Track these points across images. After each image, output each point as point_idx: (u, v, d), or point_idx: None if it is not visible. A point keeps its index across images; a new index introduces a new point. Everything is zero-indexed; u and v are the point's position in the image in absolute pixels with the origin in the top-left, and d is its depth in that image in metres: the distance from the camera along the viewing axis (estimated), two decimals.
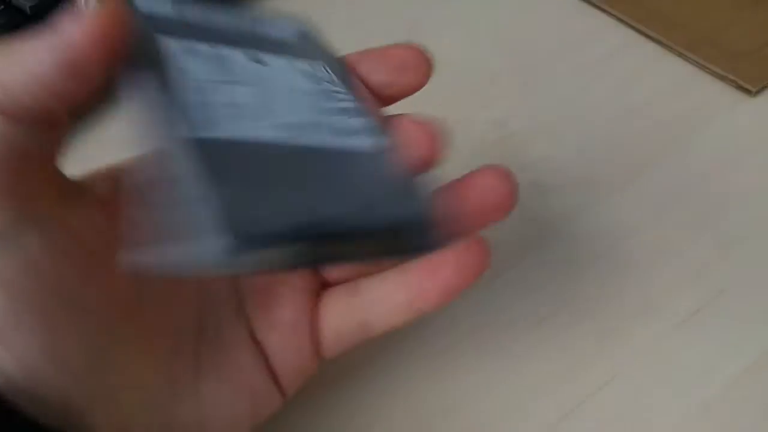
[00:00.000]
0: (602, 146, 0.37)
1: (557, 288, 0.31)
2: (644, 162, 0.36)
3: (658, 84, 0.40)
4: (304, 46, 0.25)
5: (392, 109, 0.24)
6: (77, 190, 0.22)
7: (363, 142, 0.22)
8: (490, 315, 0.30)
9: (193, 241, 0.17)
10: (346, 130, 0.22)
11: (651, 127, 0.38)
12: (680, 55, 0.41)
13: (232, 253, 0.17)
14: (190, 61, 0.21)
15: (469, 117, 0.38)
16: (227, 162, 0.19)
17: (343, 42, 0.26)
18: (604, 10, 0.44)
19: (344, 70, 0.25)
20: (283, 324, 0.24)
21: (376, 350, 0.29)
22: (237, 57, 0.23)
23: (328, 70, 0.24)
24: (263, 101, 0.22)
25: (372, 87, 0.24)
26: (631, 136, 0.37)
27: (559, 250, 0.33)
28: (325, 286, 0.25)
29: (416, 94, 0.25)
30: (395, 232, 0.20)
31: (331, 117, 0.22)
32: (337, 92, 0.23)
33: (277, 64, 0.23)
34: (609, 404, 0.28)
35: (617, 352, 0.29)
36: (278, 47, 0.24)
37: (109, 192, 0.23)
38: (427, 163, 0.22)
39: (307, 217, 0.19)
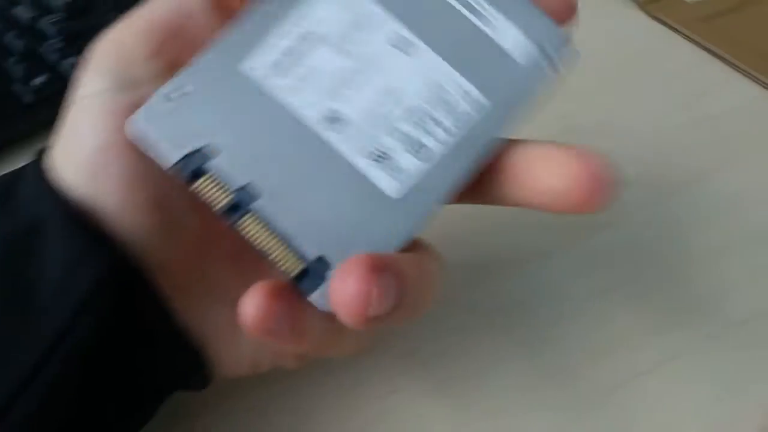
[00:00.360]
0: (665, 151, 0.39)
1: (618, 268, 0.33)
2: (705, 170, 0.38)
3: (724, 100, 0.41)
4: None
5: None
6: None
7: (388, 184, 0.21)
8: (564, 285, 0.32)
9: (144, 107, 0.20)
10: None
11: (715, 139, 0.39)
12: (749, 76, 0.43)
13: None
14: (327, 8, 0.22)
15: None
16: (232, 96, 0.21)
17: None
18: (674, 29, 0.46)
19: None
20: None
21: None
22: (381, 33, 0.22)
23: None
24: (341, 82, 0.21)
25: None
26: (694, 145, 0.39)
27: (621, 237, 0.34)
28: None
29: None
30: None
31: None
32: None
33: (426, 58, 0.22)
34: (659, 384, 0.29)
35: (668, 339, 0.30)
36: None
37: None
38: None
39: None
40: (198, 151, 0.20)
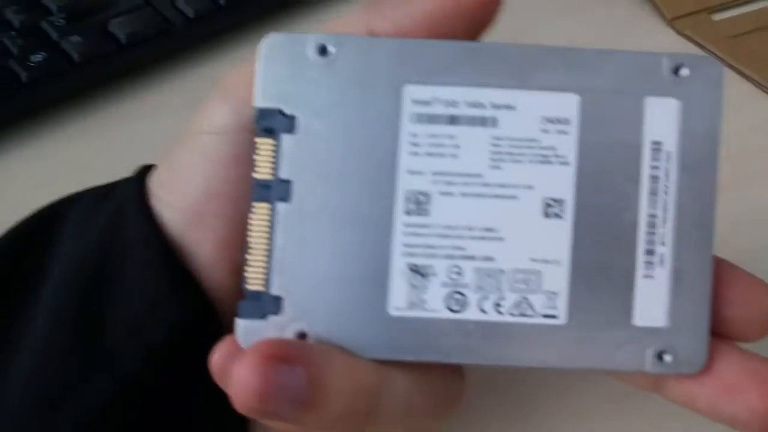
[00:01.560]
0: None
1: None
2: (727, 185, 0.36)
3: (752, 119, 0.40)
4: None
5: None
6: None
7: None
8: None
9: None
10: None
11: (738, 156, 0.37)
12: None
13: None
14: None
15: None
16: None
17: None
18: (701, 46, 0.45)
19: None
20: None
21: None
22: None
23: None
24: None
25: None
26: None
27: None
28: None
29: None
30: None
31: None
32: None
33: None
34: None
35: None
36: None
37: None
38: None
39: None
40: (286, 116, 0.19)
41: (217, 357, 0.18)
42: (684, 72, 0.19)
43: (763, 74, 0.42)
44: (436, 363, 0.19)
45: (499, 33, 0.44)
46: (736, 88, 0.42)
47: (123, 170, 0.22)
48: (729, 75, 0.43)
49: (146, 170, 0.22)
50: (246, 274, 0.19)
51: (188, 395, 0.20)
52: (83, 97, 0.37)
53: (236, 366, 0.17)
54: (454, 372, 0.21)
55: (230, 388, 0.17)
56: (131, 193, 0.21)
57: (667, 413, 0.27)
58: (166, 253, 0.20)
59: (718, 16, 0.47)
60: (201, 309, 0.20)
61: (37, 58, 0.35)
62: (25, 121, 0.36)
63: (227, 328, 0.20)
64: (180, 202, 0.20)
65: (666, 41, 0.45)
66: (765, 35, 0.45)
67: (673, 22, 0.46)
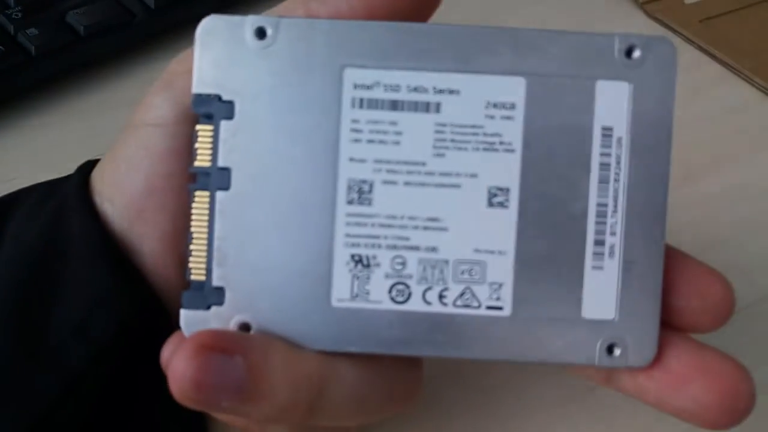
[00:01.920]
0: None
1: None
2: (703, 167, 0.36)
3: (722, 101, 0.40)
4: None
5: None
6: None
7: None
8: None
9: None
10: None
11: (709, 138, 0.38)
12: (746, 78, 0.41)
13: None
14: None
15: None
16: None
17: None
18: (672, 29, 0.44)
19: None
20: None
21: None
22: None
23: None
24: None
25: None
26: (688, 143, 0.37)
27: None
28: None
29: None
30: None
31: None
32: None
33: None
34: None
35: None
36: None
37: None
38: None
39: None
40: (224, 102, 0.18)
41: (164, 351, 0.18)
42: (636, 54, 0.19)
43: (734, 56, 0.42)
44: (380, 355, 0.19)
45: (468, 19, 0.44)
46: (707, 71, 0.42)
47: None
48: (700, 58, 0.43)
49: (90, 165, 0.21)
50: (189, 265, 0.19)
51: (139, 392, 0.20)
52: (41, 91, 0.36)
53: (174, 356, 0.17)
54: (408, 362, 0.20)
55: (169, 377, 0.17)
56: (73, 190, 0.20)
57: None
58: (110, 249, 0.19)
59: (689, 0, 0.47)
60: (148, 304, 0.19)
61: None
62: None
63: (176, 324, 0.19)
64: (121, 198, 0.20)
65: (637, 25, 0.45)
66: (735, 18, 0.45)
67: (644, 5, 0.46)
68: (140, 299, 0.19)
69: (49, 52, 0.35)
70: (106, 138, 0.27)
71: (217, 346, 0.17)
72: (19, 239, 0.20)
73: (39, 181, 0.23)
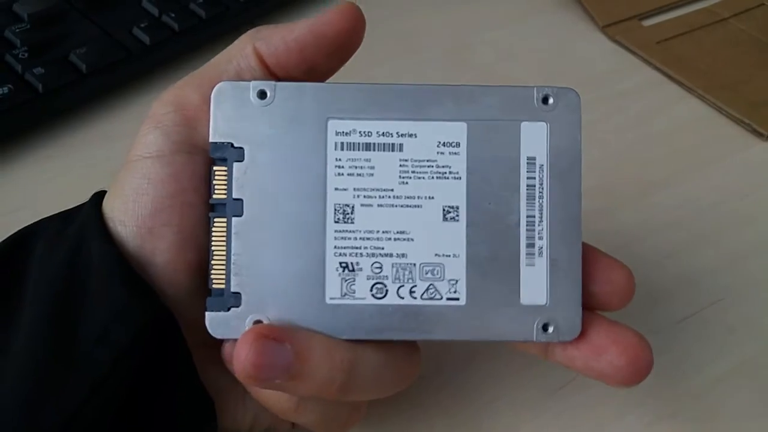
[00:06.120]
0: (620, 164, 0.40)
1: None
2: (658, 181, 0.39)
3: (677, 119, 0.43)
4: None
5: None
6: None
7: None
8: None
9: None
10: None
11: (665, 154, 0.41)
12: (700, 97, 0.44)
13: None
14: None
15: None
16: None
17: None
18: (632, 51, 0.47)
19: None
20: None
21: None
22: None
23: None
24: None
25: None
26: (646, 159, 0.40)
27: None
28: None
29: None
30: None
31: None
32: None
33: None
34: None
35: None
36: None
37: None
38: None
39: None
40: (236, 148, 0.23)
41: (226, 347, 0.23)
42: (551, 101, 0.24)
43: (688, 76, 0.45)
44: (364, 339, 0.23)
45: (443, 44, 0.46)
46: (664, 91, 0.45)
47: (89, 194, 0.25)
48: (657, 78, 0.46)
49: (100, 195, 0.24)
50: (211, 276, 0.23)
51: (157, 386, 0.23)
52: (48, 126, 0.39)
53: (237, 344, 0.21)
54: (411, 347, 0.25)
55: (234, 360, 0.21)
56: (90, 218, 0.23)
57: (596, 404, 0.29)
58: (124, 268, 0.22)
59: (647, 22, 0.50)
60: (159, 314, 0.23)
61: (3, 90, 0.37)
62: None
63: (185, 325, 0.23)
64: (132, 221, 0.23)
65: (599, 48, 0.48)
66: (689, 39, 0.48)
67: (605, 28, 0.49)
68: (153, 308, 0.22)
69: (55, 89, 0.38)
70: (106, 167, 0.30)
71: (271, 335, 0.22)
72: (46, 263, 0.23)
73: (49, 212, 0.25)
